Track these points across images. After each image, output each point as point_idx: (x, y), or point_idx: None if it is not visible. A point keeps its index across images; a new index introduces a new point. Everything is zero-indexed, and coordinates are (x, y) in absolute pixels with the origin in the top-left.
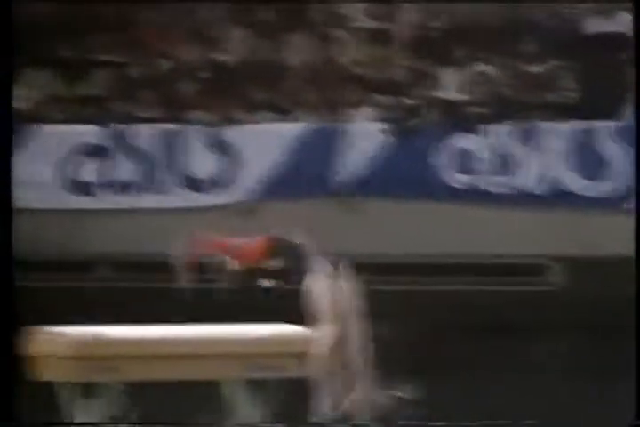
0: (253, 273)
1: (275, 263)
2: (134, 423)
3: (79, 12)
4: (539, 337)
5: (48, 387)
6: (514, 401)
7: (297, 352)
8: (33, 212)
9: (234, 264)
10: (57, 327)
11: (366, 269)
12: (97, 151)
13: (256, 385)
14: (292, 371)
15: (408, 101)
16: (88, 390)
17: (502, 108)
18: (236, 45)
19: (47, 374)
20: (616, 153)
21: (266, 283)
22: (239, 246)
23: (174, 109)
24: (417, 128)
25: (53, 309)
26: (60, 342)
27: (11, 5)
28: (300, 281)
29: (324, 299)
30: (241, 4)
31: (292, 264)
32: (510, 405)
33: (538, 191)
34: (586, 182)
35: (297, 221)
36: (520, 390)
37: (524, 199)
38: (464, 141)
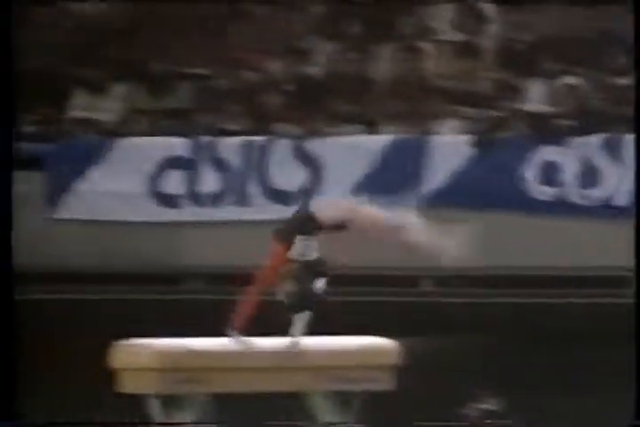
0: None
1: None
2: (140, 423)
3: (166, 24)
4: (618, 349)
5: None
6: (596, 411)
7: (383, 364)
8: (120, 224)
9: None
10: (144, 340)
11: (448, 280)
12: (183, 163)
13: (341, 397)
14: (379, 383)
15: (494, 114)
16: (174, 401)
17: (588, 121)
18: (322, 58)
19: (134, 385)
20: None
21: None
22: None
23: (260, 121)
24: (502, 140)
25: (142, 321)
26: (146, 354)
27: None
28: None
29: None
30: (328, 17)
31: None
32: (593, 414)
33: (623, 203)
34: None
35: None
36: (599, 401)
37: (609, 211)
38: (550, 154)
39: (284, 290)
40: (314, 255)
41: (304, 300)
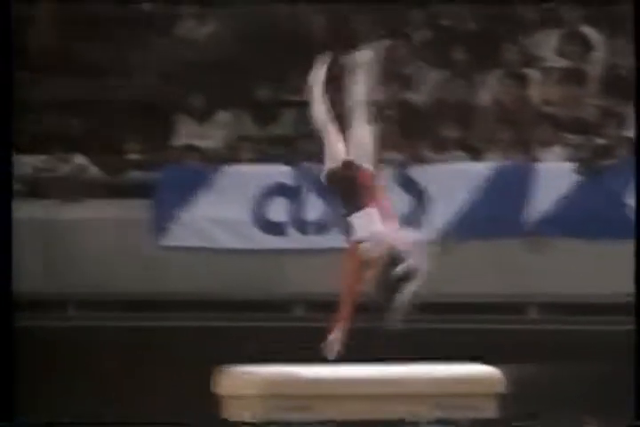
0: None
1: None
2: (133, 424)
3: (271, 53)
4: None
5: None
6: None
7: (488, 392)
8: (225, 251)
9: None
10: (249, 367)
11: (555, 308)
12: (288, 191)
13: (445, 425)
14: (483, 411)
15: (599, 141)
16: None
17: None
18: (427, 84)
19: (240, 413)
20: None
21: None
22: None
23: None
24: (608, 167)
25: (246, 348)
26: (251, 381)
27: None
28: None
29: None
30: (433, 44)
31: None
32: None
33: None
34: None
35: (486, 260)
36: None
37: None
38: None
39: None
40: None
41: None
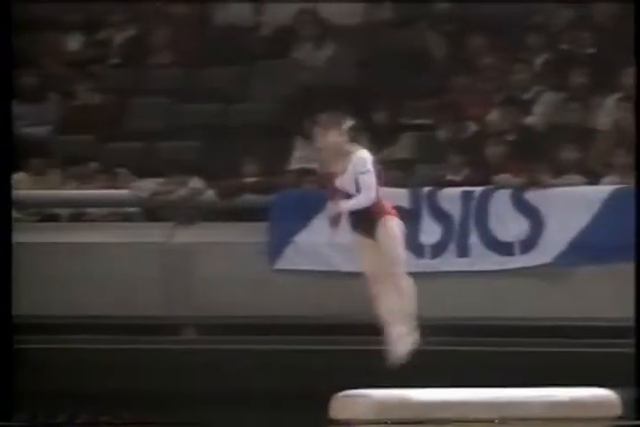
0: None
1: None
2: (133, 424)
3: (389, 76)
4: None
5: None
6: None
7: (606, 416)
8: (337, 274)
9: None
10: (363, 391)
11: None
12: (404, 214)
13: None
14: None
15: None
16: None
17: None
18: (544, 108)
19: None
20: None
21: None
22: None
23: (480, 172)
24: None
25: (363, 372)
26: (365, 405)
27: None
28: None
29: None
30: (550, 67)
31: None
32: None
33: None
34: None
35: (603, 285)
36: None
37: None
38: None
39: None
40: None
41: None
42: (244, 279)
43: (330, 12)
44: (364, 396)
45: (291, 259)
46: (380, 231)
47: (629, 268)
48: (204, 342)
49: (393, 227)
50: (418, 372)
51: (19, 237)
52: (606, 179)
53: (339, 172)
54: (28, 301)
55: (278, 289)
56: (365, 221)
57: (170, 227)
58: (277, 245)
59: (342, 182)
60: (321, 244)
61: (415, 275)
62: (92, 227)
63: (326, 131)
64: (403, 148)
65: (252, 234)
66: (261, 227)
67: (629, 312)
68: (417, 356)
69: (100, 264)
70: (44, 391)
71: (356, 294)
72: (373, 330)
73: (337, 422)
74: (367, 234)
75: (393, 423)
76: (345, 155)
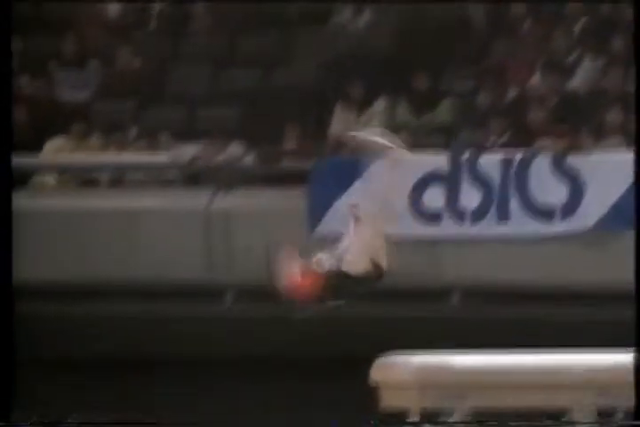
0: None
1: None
2: (137, 423)
3: (429, 43)
4: None
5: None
6: None
7: None
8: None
9: None
10: (405, 356)
11: None
12: (445, 180)
13: (602, 413)
14: None
15: None
16: (435, 418)
17: None
18: (585, 73)
19: (396, 401)
20: None
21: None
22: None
23: (521, 136)
24: None
25: (405, 337)
26: (407, 370)
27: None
28: None
29: None
30: (593, 31)
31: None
32: None
33: None
34: None
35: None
36: None
37: None
38: None
39: None
40: None
41: None
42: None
43: None
44: (404, 360)
45: (331, 224)
46: None
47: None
48: (245, 308)
49: None
50: (456, 336)
51: (59, 202)
52: None
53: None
54: (70, 266)
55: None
56: None
57: (210, 192)
58: (318, 211)
59: None
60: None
61: (456, 240)
62: (132, 192)
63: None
64: (443, 113)
65: (292, 200)
66: (301, 192)
67: None
68: (457, 321)
69: (140, 230)
70: (86, 352)
71: (399, 259)
72: (416, 296)
73: (379, 385)
74: None
75: (432, 388)
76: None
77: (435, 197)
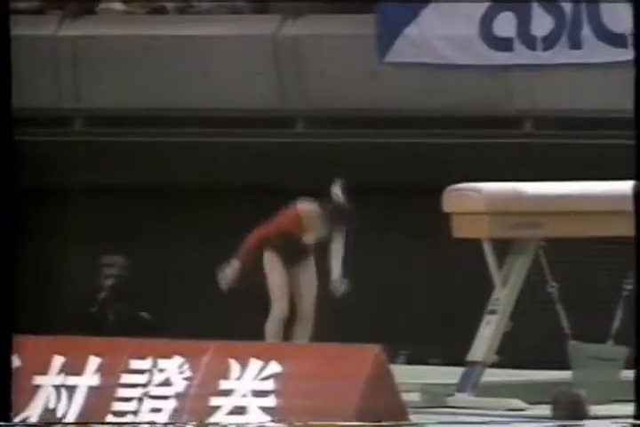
0: None
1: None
2: (132, 423)
3: None
4: None
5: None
6: None
7: None
8: (449, 67)
9: None
10: (476, 183)
11: None
12: (515, 5)
13: None
14: None
15: None
16: (508, 246)
17: None
18: None
19: (468, 230)
20: None
21: None
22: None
23: None
24: None
25: (476, 165)
26: (478, 198)
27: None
28: None
29: None
30: None
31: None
32: None
33: None
34: None
35: None
36: None
37: None
38: None
39: None
40: None
41: None
42: (354, 72)
43: None
44: (475, 189)
45: (401, 51)
46: None
47: None
48: (314, 135)
49: None
50: (527, 163)
51: (127, 29)
52: None
53: None
54: (138, 93)
55: (389, 82)
56: None
57: (278, 19)
58: (387, 38)
59: None
60: (432, 35)
61: (528, 67)
62: (199, 19)
63: None
64: None
65: (361, 26)
66: (371, 19)
67: None
68: (528, 149)
69: (207, 58)
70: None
71: (469, 88)
72: (484, 124)
73: (450, 215)
74: None
75: (504, 216)
76: None
77: (506, 24)
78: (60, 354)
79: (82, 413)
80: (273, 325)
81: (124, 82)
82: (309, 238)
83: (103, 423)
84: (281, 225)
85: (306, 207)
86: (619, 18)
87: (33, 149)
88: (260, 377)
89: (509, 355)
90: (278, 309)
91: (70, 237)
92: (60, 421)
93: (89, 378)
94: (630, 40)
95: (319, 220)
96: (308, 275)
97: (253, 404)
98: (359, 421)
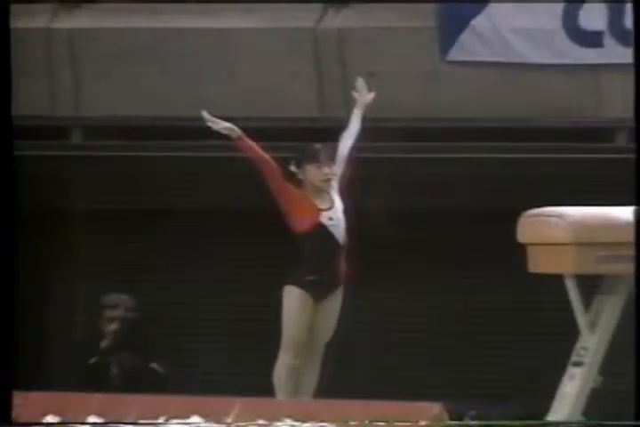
0: None
1: None
2: (135, 424)
3: None
4: None
5: None
6: None
7: None
8: (527, 67)
9: None
10: (557, 208)
11: None
12: None
13: None
14: None
15: None
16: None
17: None
18: None
19: (548, 264)
20: None
21: None
22: None
23: None
24: None
25: (555, 185)
26: (563, 225)
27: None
28: None
29: None
30: None
31: None
32: None
33: None
34: None
35: None
36: None
37: None
38: None
39: None
40: None
41: None
42: (409, 73)
43: None
44: (557, 215)
45: (467, 47)
46: None
47: None
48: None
49: None
50: (621, 183)
51: (160, 22)
52: None
53: None
54: (152, 99)
55: (452, 84)
56: None
57: (320, 8)
58: (451, 31)
59: None
60: (505, 28)
61: (621, 67)
62: (234, 9)
63: None
64: None
65: (419, 17)
66: (431, 9)
67: None
68: (620, 165)
69: (241, 53)
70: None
71: (548, 92)
72: (568, 135)
73: (523, 246)
74: None
75: (593, 247)
76: None
77: (594, 14)
78: (55, 413)
79: None
80: (283, 373)
81: (132, 85)
82: None
83: (105, 424)
84: None
85: None
86: None
87: (20, 166)
88: None
89: (599, 416)
90: (290, 353)
91: (65, 272)
92: None
93: None
94: None
95: None
96: (332, 307)
97: None
98: None
